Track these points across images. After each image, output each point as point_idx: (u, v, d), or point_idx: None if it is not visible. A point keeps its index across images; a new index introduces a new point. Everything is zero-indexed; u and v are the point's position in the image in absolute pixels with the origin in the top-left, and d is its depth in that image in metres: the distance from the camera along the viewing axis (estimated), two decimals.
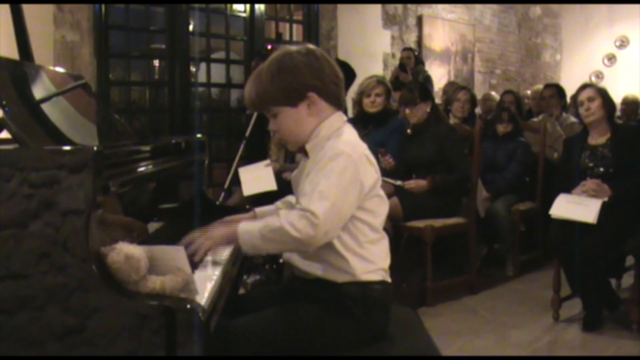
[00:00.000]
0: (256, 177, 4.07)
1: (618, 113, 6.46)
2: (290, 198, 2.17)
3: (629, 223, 3.53)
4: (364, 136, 4.57)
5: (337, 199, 1.72)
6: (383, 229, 1.92)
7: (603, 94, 3.78)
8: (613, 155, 3.68)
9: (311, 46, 1.92)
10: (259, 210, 2.20)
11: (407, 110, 4.34)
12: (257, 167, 4.19)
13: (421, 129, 4.32)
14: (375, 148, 4.39)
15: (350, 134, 1.90)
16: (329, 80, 1.88)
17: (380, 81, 4.57)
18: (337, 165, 1.75)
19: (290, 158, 4.59)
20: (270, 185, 3.92)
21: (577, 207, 3.52)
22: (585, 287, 3.60)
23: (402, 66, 6.85)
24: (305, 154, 1.91)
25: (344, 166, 1.75)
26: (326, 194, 1.71)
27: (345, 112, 5.98)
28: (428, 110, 4.33)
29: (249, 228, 1.79)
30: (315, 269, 1.84)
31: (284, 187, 2.34)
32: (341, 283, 1.82)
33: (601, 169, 3.68)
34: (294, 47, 1.90)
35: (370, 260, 1.85)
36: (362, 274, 1.82)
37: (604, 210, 3.44)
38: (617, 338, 3.48)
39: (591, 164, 3.73)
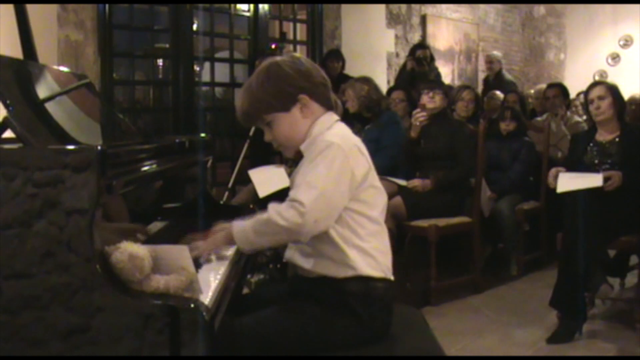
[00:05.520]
0: (268, 177, 4.05)
1: None
2: None
3: (633, 215, 3.51)
4: (356, 134, 4.61)
5: (325, 187, 1.74)
6: (387, 228, 1.93)
7: (614, 92, 3.74)
8: (620, 153, 3.66)
9: (295, 54, 1.95)
10: None
11: (431, 94, 4.40)
12: (268, 169, 4.18)
13: (433, 121, 4.36)
14: (370, 145, 4.40)
15: (341, 128, 1.93)
16: (317, 82, 1.91)
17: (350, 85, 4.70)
18: (326, 155, 1.78)
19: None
20: (283, 182, 3.87)
21: (581, 178, 3.52)
22: (588, 258, 3.44)
23: (418, 60, 6.67)
24: (302, 155, 1.93)
25: (333, 156, 1.78)
26: (314, 184, 1.74)
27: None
28: (444, 106, 4.48)
29: (241, 226, 1.83)
30: (316, 265, 1.85)
31: None
32: (343, 279, 1.82)
33: (607, 167, 3.66)
34: (278, 57, 1.94)
35: (371, 254, 1.85)
36: (364, 268, 1.83)
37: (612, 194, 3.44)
38: (621, 338, 3.48)
39: (597, 161, 3.71)
